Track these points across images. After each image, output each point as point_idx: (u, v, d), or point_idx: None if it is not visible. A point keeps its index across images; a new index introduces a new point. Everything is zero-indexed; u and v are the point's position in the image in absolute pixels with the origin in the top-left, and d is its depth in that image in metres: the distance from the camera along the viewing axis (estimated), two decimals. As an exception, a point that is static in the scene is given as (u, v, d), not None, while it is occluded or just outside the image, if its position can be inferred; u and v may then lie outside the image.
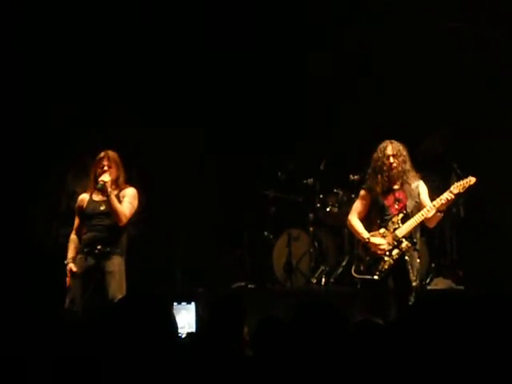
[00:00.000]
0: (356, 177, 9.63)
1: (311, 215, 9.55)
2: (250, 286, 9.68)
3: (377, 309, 6.60)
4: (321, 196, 9.62)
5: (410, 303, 6.69)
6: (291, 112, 10.11)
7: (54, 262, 9.87)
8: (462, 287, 8.89)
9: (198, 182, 9.92)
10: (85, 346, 3.18)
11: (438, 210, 6.76)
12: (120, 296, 6.67)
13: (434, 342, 2.70)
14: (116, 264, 6.93)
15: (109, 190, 6.92)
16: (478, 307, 3.00)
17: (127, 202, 7.04)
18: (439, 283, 9.04)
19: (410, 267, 6.77)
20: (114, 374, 2.86)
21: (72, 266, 6.97)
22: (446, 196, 6.71)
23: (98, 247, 6.86)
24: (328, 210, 9.56)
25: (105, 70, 9.85)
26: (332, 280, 9.39)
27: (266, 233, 9.78)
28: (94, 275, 6.86)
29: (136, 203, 7.10)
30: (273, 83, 10.17)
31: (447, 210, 7.43)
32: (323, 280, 9.39)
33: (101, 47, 9.77)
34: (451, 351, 2.71)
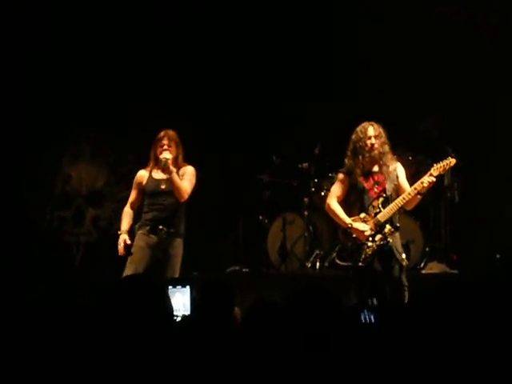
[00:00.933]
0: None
1: (306, 199, 9.55)
2: (244, 270, 9.70)
3: (369, 294, 6.60)
4: (315, 180, 9.63)
5: (404, 283, 6.67)
6: (287, 97, 10.13)
7: (49, 245, 9.94)
8: (456, 271, 8.92)
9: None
10: (80, 329, 3.19)
11: (418, 193, 6.70)
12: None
13: (430, 325, 2.71)
14: (176, 247, 7.07)
15: (171, 167, 7.02)
16: (473, 292, 3.01)
17: (187, 179, 7.17)
18: (433, 267, 9.07)
19: (394, 249, 6.72)
20: (111, 356, 2.87)
21: (126, 238, 7.04)
22: (427, 179, 6.62)
23: (160, 227, 6.97)
24: (323, 194, 9.56)
25: (102, 57, 9.87)
26: (326, 264, 9.39)
27: (260, 217, 9.79)
28: (154, 253, 6.99)
29: (194, 181, 7.23)
30: (270, 67, 10.19)
31: (443, 194, 7.39)
32: (317, 264, 9.40)
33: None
34: (448, 336, 2.71)
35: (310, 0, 9.97)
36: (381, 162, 6.80)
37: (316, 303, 3.02)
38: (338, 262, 8.73)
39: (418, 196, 6.70)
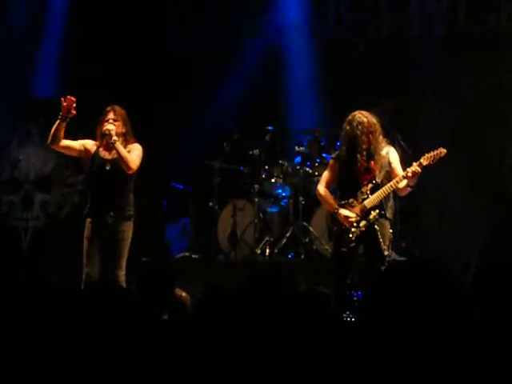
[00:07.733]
0: (301, 148, 9.70)
1: (256, 186, 9.57)
2: (194, 256, 9.70)
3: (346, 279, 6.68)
4: (266, 167, 9.65)
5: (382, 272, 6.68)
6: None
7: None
8: (404, 258, 9.02)
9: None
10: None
11: (408, 185, 6.66)
12: (123, 262, 6.77)
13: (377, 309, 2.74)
14: (124, 231, 6.83)
15: (114, 137, 6.71)
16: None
17: (135, 153, 6.84)
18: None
19: (379, 236, 6.70)
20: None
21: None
22: (413, 168, 6.58)
23: (111, 214, 6.76)
24: (273, 180, 9.60)
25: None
26: (276, 251, 9.43)
27: (211, 203, 9.78)
28: (103, 240, 6.80)
29: (141, 156, 6.89)
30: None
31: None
32: (267, 251, 9.44)
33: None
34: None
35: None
36: (374, 152, 6.74)
37: (270, 288, 3.03)
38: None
39: (409, 188, 6.67)
